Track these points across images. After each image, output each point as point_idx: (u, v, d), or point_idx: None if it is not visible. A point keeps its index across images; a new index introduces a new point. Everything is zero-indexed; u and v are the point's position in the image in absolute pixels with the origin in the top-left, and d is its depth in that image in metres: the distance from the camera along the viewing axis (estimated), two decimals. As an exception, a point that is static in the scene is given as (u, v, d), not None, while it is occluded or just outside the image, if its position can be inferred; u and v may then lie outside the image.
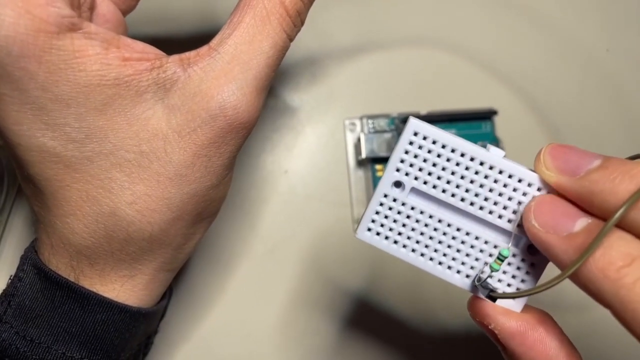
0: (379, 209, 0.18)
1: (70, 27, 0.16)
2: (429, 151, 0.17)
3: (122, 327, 0.20)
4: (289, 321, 0.30)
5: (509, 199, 0.17)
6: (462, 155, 0.17)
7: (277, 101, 0.32)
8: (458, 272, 0.18)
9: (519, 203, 0.17)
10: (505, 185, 0.17)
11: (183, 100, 0.17)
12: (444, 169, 0.17)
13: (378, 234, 0.18)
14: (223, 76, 0.17)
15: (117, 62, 0.17)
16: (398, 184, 0.18)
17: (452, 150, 0.17)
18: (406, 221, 0.18)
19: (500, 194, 0.17)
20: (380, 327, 0.30)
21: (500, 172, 0.17)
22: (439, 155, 0.17)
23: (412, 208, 0.18)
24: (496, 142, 0.31)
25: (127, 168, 0.18)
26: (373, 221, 0.18)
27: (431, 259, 0.18)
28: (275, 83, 0.31)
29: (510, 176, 0.17)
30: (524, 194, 0.17)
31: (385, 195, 0.18)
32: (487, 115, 0.31)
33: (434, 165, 0.17)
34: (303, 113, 0.32)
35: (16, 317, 0.19)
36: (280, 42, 0.18)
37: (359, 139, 0.30)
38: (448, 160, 0.17)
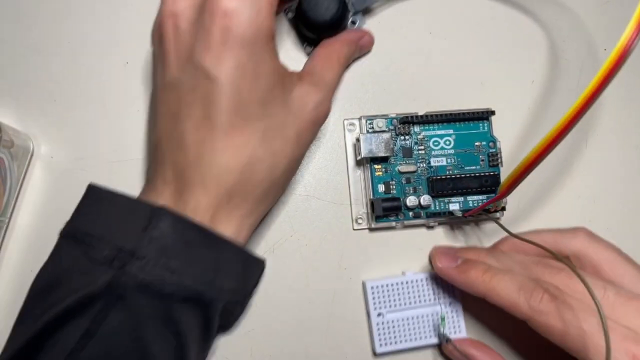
0: (378, 330, 0.30)
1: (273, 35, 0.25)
2: (383, 290, 0.30)
3: (233, 263, 0.25)
4: (289, 319, 0.30)
5: (433, 291, 0.30)
6: (395, 284, 0.30)
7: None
8: (431, 337, 0.30)
9: (438, 292, 0.30)
10: (425, 285, 0.30)
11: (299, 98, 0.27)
12: (395, 293, 0.30)
13: (387, 344, 0.30)
14: (312, 91, 0.27)
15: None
16: (380, 315, 0.30)
17: (391, 284, 0.30)
18: (392, 327, 0.30)
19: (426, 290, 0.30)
20: (379, 325, 0.30)
21: (418, 280, 0.30)
22: (388, 290, 0.30)
23: (393, 320, 0.30)
24: (493, 142, 0.31)
25: (280, 132, 0.26)
26: (380, 339, 0.30)
27: (416, 339, 0.30)
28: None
29: (425, 279, 0.30)
30: (440, 282, 0.30)
31: (377, 323, 0.30)
32: (484, 116, 0.31)
33: (389, 295, 0.30)
34: (303, 113, 0.32)
35: (159, 255, 0.23)
36: (340, 72, 0.30)
37: (357, 139, 0.30)
38: (394, 288, 0.30)
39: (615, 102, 0.34)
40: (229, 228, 0.25)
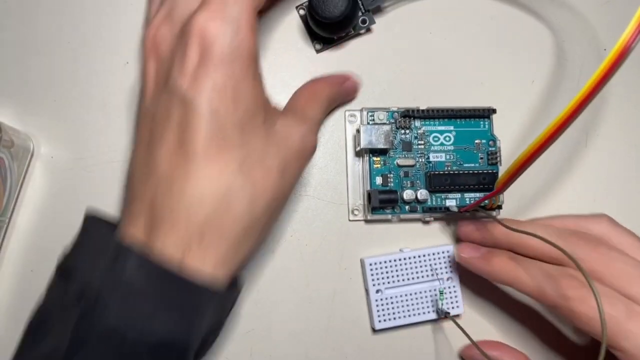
0: (377, 306, 0.30)
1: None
2: (382, 267, 0.30)
3: (208, 307, 0.23)
4: (289, 319, 0.30)
5: (430, 267, 0.31)
6: (393, 260, 0.30)
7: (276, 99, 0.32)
8: (430, 312, 0.30)
9: (435, 266, 0.31)
10: (423, 261, 0.31)
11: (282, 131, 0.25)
12: (393, 270, 0.30)
13: (386, 320, 0.30)
14: (297, 123, 0.26)
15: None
16: (378, 291, 0.30)
17: (389, 261, 0.30)
18: (391, 303, 0.30)
19: (423, 266, 0.31)
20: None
21: (416, 257, 0.31)
22: (386, 266, 0.30)
23: (391, 297, 0.30)
24: (494, 140, 0.31)
25: (261, 162, 0.24)
26: (379, 315, 0.30)
27: (415, 315, 0.30)
28: (276, 78, 0.32)
29: (422, 255, 0.31)
30: (438, 258, 0.31)
31: (376, 300, 0.30)
32: (485, 114, 0.31)
33: (387, 272, 0.30)
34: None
35: (122, 299, 0.21)
36: (323, 111, 0.29)
37: (358, 130, 0.30)
38: (392, 265, 0.30)
39: (616, 102, 0.34)
40: (203, 269, 0.22)
